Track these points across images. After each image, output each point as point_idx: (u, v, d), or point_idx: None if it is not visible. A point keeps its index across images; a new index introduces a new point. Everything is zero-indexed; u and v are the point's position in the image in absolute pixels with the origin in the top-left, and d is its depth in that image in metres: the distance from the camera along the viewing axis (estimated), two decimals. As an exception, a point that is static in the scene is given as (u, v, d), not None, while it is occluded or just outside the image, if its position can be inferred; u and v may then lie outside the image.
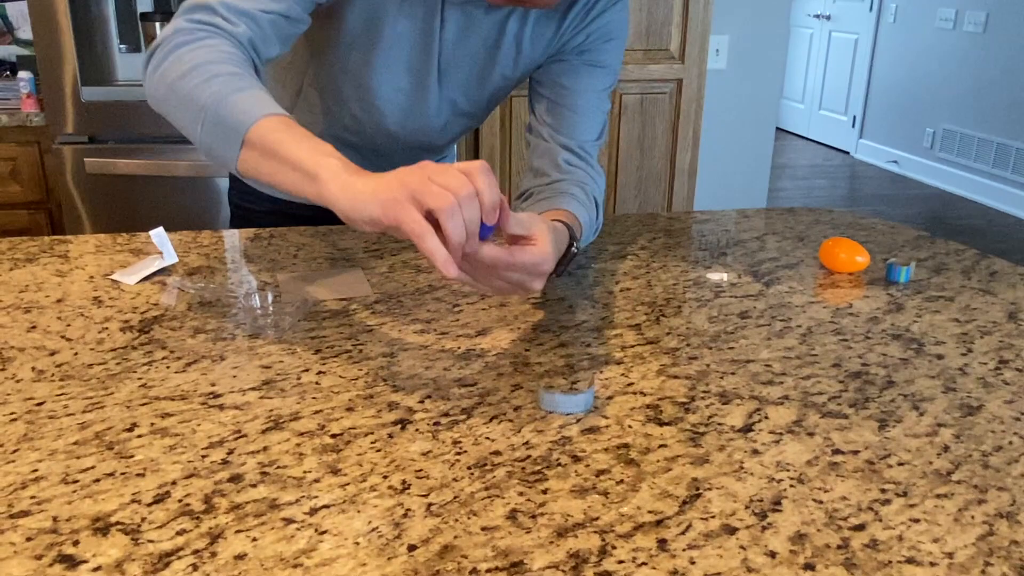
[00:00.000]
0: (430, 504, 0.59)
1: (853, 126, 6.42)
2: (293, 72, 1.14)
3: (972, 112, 5.23)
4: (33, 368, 0.77)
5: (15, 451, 0.64)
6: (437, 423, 0.69)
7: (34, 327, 0.86)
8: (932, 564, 0.53)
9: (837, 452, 0.66)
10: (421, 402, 0.73)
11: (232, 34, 0.88)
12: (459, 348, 0.83)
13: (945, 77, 5.44)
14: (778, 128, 7.22)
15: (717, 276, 1.05)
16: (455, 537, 0.55)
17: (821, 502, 0.60)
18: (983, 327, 0.91)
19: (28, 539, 0.54)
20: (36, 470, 0.62)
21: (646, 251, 1.14)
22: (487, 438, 0.67)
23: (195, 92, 0.83)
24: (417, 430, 0.68)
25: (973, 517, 0.58)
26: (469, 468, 0.63)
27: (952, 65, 5.37)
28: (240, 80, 0.83)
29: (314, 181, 0.75)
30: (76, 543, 0.54)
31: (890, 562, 0.53)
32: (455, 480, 0.61)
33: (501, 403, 0.73)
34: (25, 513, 0.57)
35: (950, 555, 0.54)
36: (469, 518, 0.57)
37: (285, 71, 1.16)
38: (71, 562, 0.52)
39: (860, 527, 0.57)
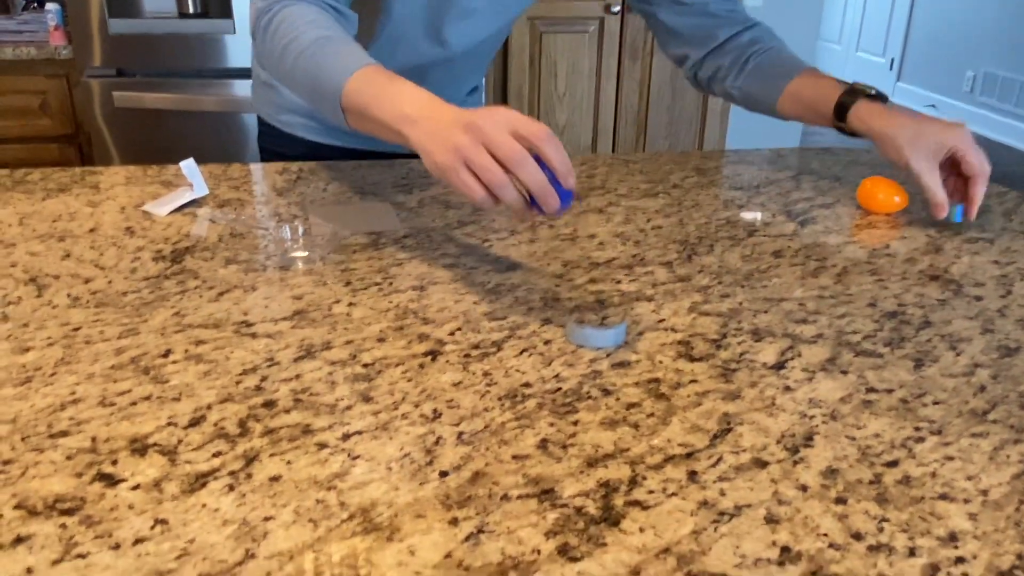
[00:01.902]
0: (461, 433, 0.59)
1: (890, 69, 6.24)
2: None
3: (1015, 54, 5.05)
4: (68, 295, 0.78)
5: (53, 374, 0.65)
6: (467, 355, 0.70)
7: (68, 255, 0.87)
8: (966, 500, 0.53)
9: (871, 390, 0.65)
10: (451, 334, 0.73)
11: None
12: (489, 282, 0.83)
13: (988, 17, 5.25)
14: (813, 70, 7.03)
15: (751, 215, 1.04)
16: (486, 464, 0.55)
17: (854, 439, 0.59)
18: (1023, 269, 0.89)
19: (68, 457, 0.55)
20: (74, 392, 0.63)
21: (678, 189, 1.13)
22: (517, 370, 0.67)
23: (294, 73, 0.88)
24: (448, 361, 0.68)
25: (1008, 456, 0.58)
26: (500, 399, 0.63)
27: (994, 5, 5.17)
28: (323, 45, 0.86)
29: (405, 139, 0.78)
30: (115, 462, 0.55)
31: (923, 498, 0.53)
32: (486, 410, 0.62)
33: (531, 337, 0.73)
34: (64, 433, 0.58)
35: (984, 492, 0.54)
36: (500, 447, 0.57)
37: None
38: (110, 480, 0.53)
39: (893, 463, 0.57)
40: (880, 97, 1.04)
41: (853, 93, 1.04)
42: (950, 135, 0.96)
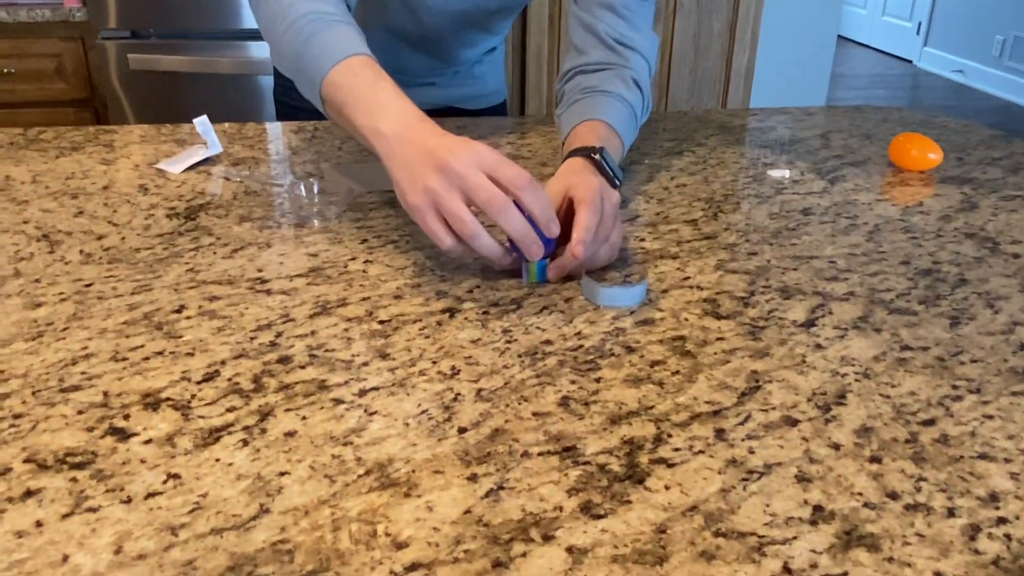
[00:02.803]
0: (480, 389, 0.57)
1: (918, 33, 6.10)
2: None
3: (1048, 17, 4.92)
4: (81, 251, 0.77)
5: (65, 328, 0.64)
6: (486, 312, 0.68)
7: (81, 212, 0.86)
8: (1007, 460, 0.51)
9: (906, 348, 0.63)
10: (470, 291, 0.71)
11: None
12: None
13: (1021, -21, 5.10)
14: (839, 36, 6.90)
15: (778, 173, 1.00)
16: (506, 421, 0.54)
17: (888, 397, 0.57)
18: (1064, 228, 0.86)
19: (79, 412, 0.54)
20: (86, 347, 0.61)
21: (703, 148, 1.10)
22: (538, 328, 0.65)
23: (281, 46, 0.81)
24: (466, 319, 0.67)
25: (1051, 416, 0.55)
26: (520, 356, 0.61)
27: (1030, -34, 5.03)
28: (312, 22, 0.79)
29: (378, 156, 0.73)
30: (127, 417, 0.54)
31: (962, 457, 0.51)
32: (505, 367, 0.60)
33: (552, 295, 0.71)
34: (76, 388, 0.57)
35: (1026, 453, 0.51)
36: (520, 403, 0.56)
37: None
38: (122, 434, 0.52)
39: (930, 422, 0.54)
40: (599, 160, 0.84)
41: (581, 150, 0.85)
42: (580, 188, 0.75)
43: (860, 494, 0.48)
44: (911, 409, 0.56)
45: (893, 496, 0.48)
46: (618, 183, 0.83)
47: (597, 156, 0.82)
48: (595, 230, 0.72)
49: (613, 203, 0.75)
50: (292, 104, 1.28)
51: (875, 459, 0.51)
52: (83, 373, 0.58)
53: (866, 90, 5.53)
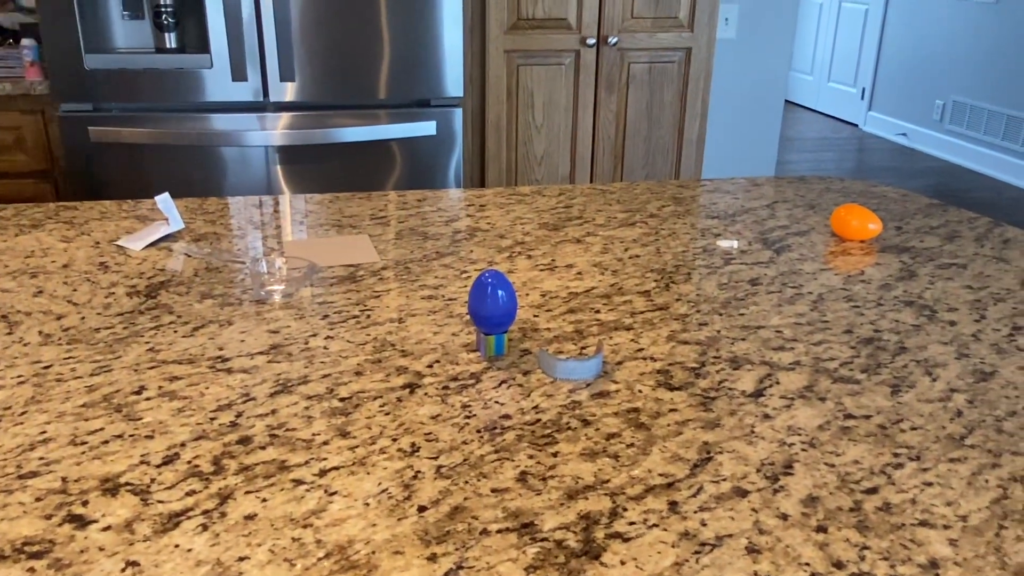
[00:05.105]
0: (440, 466, 0.58)
1: (862, 98, 6.35)
2: None
3: (982, 84, 5.17)
4: (40, 332, 0.77)
5: (23, 413, 0.64)
6: (446, 387, 0.69)
7: (40, 292, 0.86)
8: (946, 527, 0.53)
9: (849, 417, 0.66)
10: (430, 367, 0.72)
11: None
12: (467, 314, 0.83)
13: (955, 48, 5.37)
14: (786, 101, 7.15)
15: (727, 243, 1.04)
16: (465, 499, 0.55)
17: (833, 466, 0.59)
18: (996, 294, 0.90)
19: (37, 499, 0.54)
20: (44, 432, 0.61)
21: (655, 218, 1.13)
22: (496, 402, 0.67)
23: None
24: (426, 394, 0.68)
25: (987, 481, 0.58)
26: (479, 431, 0.63)
27: (963, 36, 5.30)
28: None
29: None
30: (85, 503, 0.54)
31: (903, 525, 0.53)
32: (464, 443, 0.61)
33: (510, 368, 0.72)
34: (34, 474, 0.56)
35: (964, 518, 0.54)
36: (479, 480, 0.57)
37: None
38: (81, 522, 0.52)
39: (873, 490, 0.56)
40: None
41: None
42: None
43: (807, 564, 0.49)
44: (855, 477, 0.58)
45: (839, 565, 0.49)
46: None
47: None
48: None
49: None
50: None
51: (821, 528, 0.53)
52: (41, 458, 0.58)
53: (815, 152, 5.72)
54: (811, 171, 5.17)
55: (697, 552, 0.50)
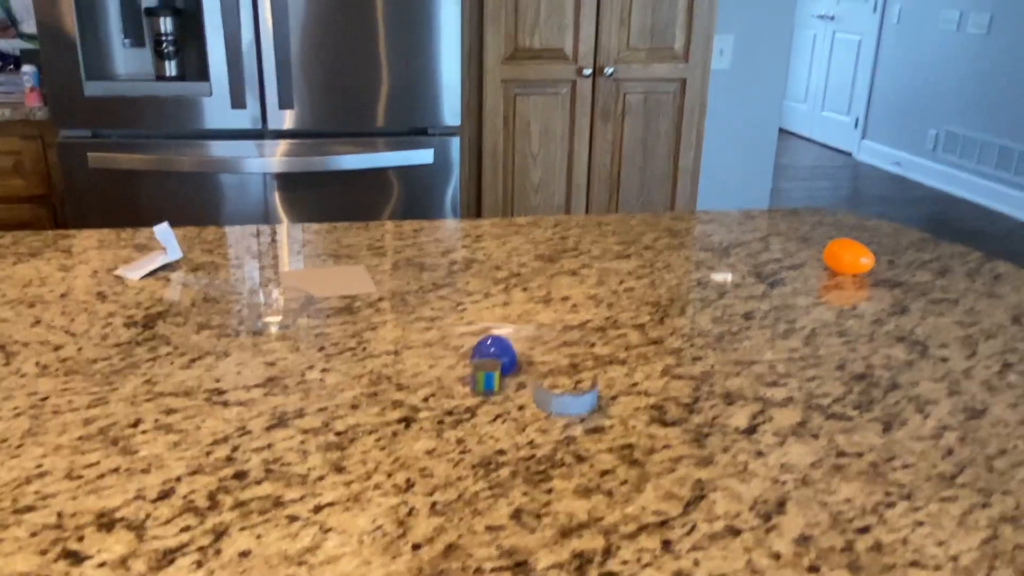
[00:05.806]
0: (434, 503, 0.58)
1: (856, 127, 6.41)
2: None
3: (975, 114, 5.23)
4: (37, 363, 0.77)
5: (19, 446, 0.64)
6: (441, 422, 0.69)
7: (38, 322, 0.86)
8: (936, 567, 0.53)
9: (841, 454, 0.66)
10: (425, 400, 0.73)
11: None
12: (463, 346, 0.83)
13: (948, 79, 5.43)
14: (781, 129, 7.21)
15: (721, 277, 1.05)
16: (459, 536, 0.55)
17: (825, 504, 0.60)
18: (988, 330, 0.91)
19: (33, 534, 0.54)
20: (40, 465, 0.62)
21: (650, 251, 1.14)
22: (491, 437, 0.67)
23: None
24: (421, 428, 0.68)
25: (978, 521, 0.58)
26: (473, 467, 0.63)
27: (955, 67, 5.36)
28: None
29: None
30: (81, 539, 0.54)
31: (895, 565, 0.53)
32: (459, 479, 0.61)
33: (505, 402, 0.73)
34: (30, 508, 0.57)
35: (955, 558, 0.54)
36: (473, 517, 0.57)
37: None
38: (76, 558, 0.52)
39: (865, 530, 0.57)
40: None
41: None
42: None
43: (799, 605, 0.50)
44: (847, 516, 0.58)
45: (830, 606, 0.50)
46: None
47: None
48: None
49: None
50: None
51: (813, 568, 0.53)
52: (37, 492, 0.58)
53: (809, 181, 5.76)
54: (805, 199, 5.21)
55: (690, 592, 0.50)
